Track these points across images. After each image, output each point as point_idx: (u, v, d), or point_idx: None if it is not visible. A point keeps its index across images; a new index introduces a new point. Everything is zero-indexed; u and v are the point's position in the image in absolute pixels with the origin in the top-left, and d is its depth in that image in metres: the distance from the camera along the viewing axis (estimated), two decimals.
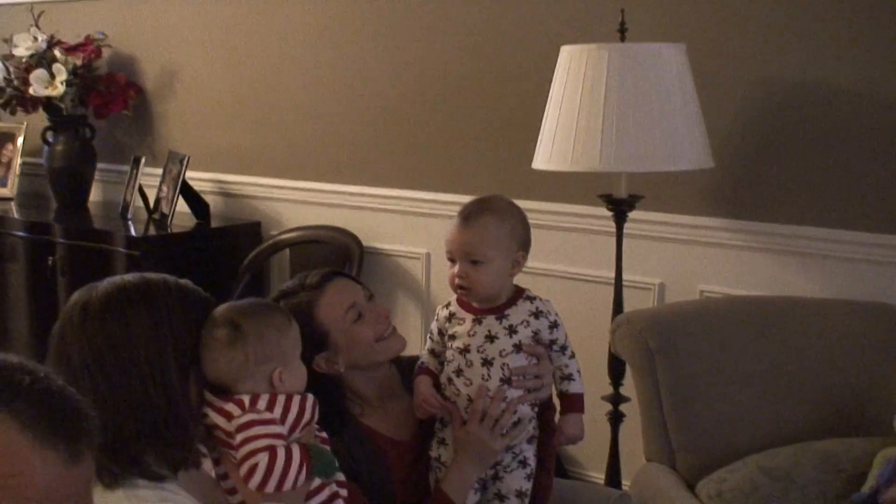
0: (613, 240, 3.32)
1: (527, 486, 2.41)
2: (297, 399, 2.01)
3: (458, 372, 2.38)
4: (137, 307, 1.92)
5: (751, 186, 3.43)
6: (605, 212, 3.33)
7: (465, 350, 2.37)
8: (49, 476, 1.28)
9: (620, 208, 3.26)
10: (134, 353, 1.89)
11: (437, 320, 2.47)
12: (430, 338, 2.49)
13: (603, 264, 3.58)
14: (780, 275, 3.40)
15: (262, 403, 1.96)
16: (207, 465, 2.07)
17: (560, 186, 3.74)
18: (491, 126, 3.98)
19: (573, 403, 2.40)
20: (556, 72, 3.19)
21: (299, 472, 1.93)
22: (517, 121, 3.82)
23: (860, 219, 3.25)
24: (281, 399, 1.98)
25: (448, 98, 4.09)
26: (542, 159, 3.19)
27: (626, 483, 3.35)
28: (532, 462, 2.42)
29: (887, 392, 2.96)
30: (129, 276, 2.00)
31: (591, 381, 3.39)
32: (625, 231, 3.31)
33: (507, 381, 2.35)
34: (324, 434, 2.13)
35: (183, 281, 2.03)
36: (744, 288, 3.44)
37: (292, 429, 1.99)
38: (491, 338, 2.36)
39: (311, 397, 2.04)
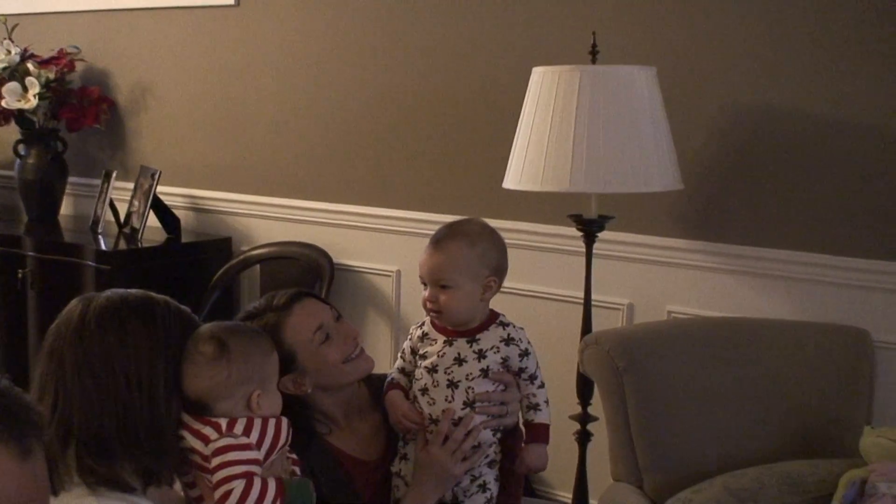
0: (583, 260, 3.34)
1: None
2: (272, 423, 2.01)
3: (424, 391, 2.39)
4: (136, 321, 1.96)
5: (719, 209, 3.46)
6: (574, 232, 3.35)
7: (432, 369, 2.38)
8: (3, 472, 1.32)
9: (590, 229, 3.28)
10: (126, 364, 1.91)
11: (411, 339, 2.48)
12: (401, 356, 2.49)
13: (572, 284, 3.59)
14: (747, 296, 3.42)
15: (239, 427, 1.96)
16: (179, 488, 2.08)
17: (530, 206, 3.76)
18: (462, 145, 3.99)
19: (538, 434, 2.40)
20: (527, 92, 3.20)
21: None
22: (488, 140, 3.84)
23: (827, 242, 3.28)
24: (258, 423, 1.99)
25: (420, 117, 4.10)
26: (513, 179, 3.20)
27: (593, 502, 3.36)
28: (492, 487, 2.41)
29: (853, 414, 2.98)
30: (133, 290, 2.03)
31: (560, 401, 3.41)
32: (594, 251, 3.32)
33: (470, 404, 2.35)
34: (294, 456, 2.13)
35: (183, 307, 2.06)
36: (712, 309, 3.46)
37: (269, 453, 1.99)
38: (460, 361, 2.36)
39: (285, 420, 2.05)
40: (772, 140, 3.34)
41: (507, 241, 3.77)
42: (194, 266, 4.59)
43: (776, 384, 3.01)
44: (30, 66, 4.85)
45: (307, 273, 4.29)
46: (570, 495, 3.50)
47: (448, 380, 2.35)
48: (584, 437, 3.40)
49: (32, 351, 4.54)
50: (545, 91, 3.11)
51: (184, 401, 1.99)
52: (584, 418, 3.38)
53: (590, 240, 3.30)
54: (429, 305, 2.37)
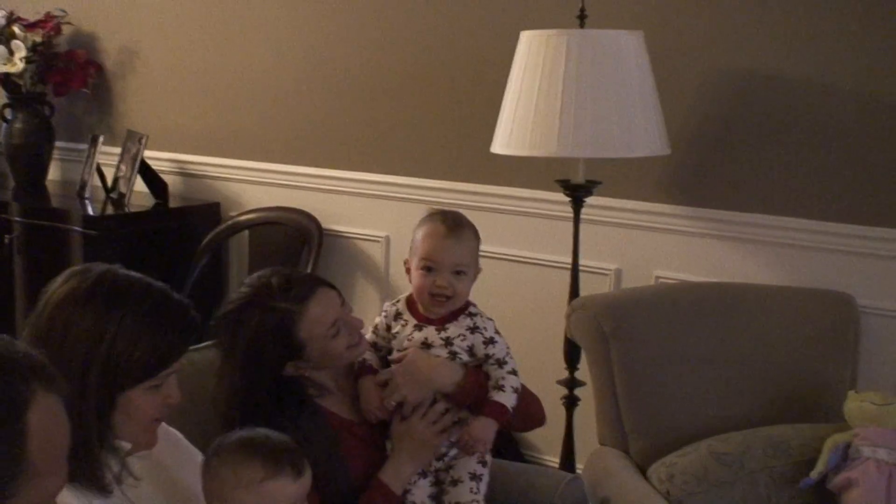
0: (570, 225, 3.34)
1: (481, 470, 2.43)
2: None
3: (387, 359, 2.45)
4: (86, 310, 1.85)
5: (706, 174, 3.46)
6: (562, 197, 3.35)
7: (403, 351, 2.44)
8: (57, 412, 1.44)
9: (578, 194, 3.28)
10: (64, 355, 1.81)
11: (386, 316, 2.52)
12: (374, 331, 2.52)
13: (560, 249, 3.59)
14: (733, 261, 3.43)
15: None
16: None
17: (518, 171, 3.75)
18: (450, 110, 3.98)
19: (491, 409, 2.38)
20: (515, 57, 3.19)
21: None
22: (476, 105, 3.83)
23: (812, 207, 3.28)
24: None
25: (408, 82, 4.09)
26: (501, 144, 3.20)
27: (580, 467, 3.37)
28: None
29: (837, 378, 3.00)
30: (110, 273, 1.92)
31: (547, 366, 3.43)
32: (582, 216, 3.32)
33: None
34: None
35: (168, 298, 1.95)
36: (698, 274, 3.47)
37: None
38: (427, 345, 2.42)
39: None
40: (758, 106, 3.34)
41: (495, 206, 3.85)
42: (182, 231, 4.59)
43: (762, 349, 3.02)
44: (16, 29, 4.83)
45: (296, 238, 4.29)
46: (558, 460, 3.51)
47: None
48: (571, 402, 3.42)
49: (20, 317, 4.54)
50: (533, 56, 3.10)
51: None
52: (572, 383, 3.39)
53: (577, 205, 3.30)
54: (439, 291, 2.40)
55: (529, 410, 2.55)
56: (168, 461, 2.11)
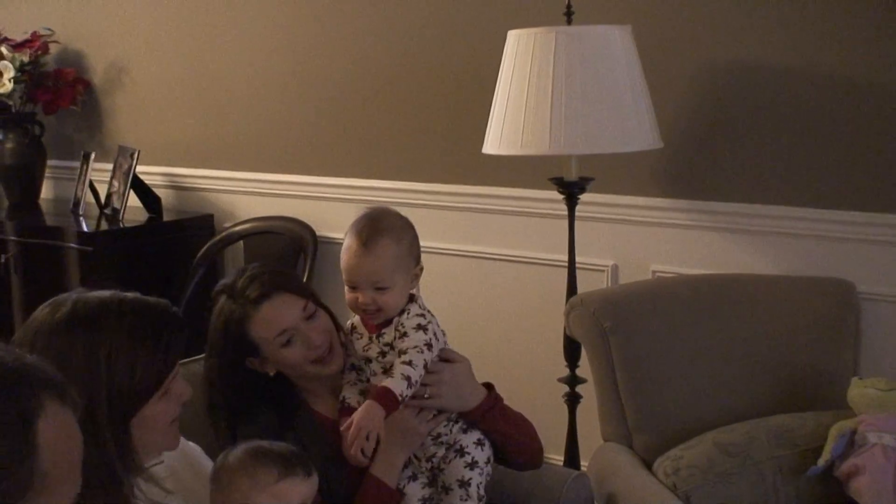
0: (565, 223, 3.33)
1: (469, 475, 2.38)
2: None
3: (369, 380, 2.41)
4: (76, 342, 1.82)
5: (700, 166, 3.45)
6: (556, 195, 3.34)
7: (369, 362, 2.41)
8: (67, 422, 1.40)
9: (571, 191, 3.27)
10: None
11: (347, 335, 2.47)
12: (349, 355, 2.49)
13: (556, 247, 3.59)
14: (731, 253, 3.42)
15: None
16: None
17: (511, 171, 3.75)
18: (441, 113, 3.98)
19: (374, 392, 2.26)
20: (503, 56, 3.19)
21: None
22: (467, 107, 3.82)
23: (808, 195, 3.28)
24: None
25: (397, 86, 4.08)
26: (493, 144, 3.19)
27: (584, 464, 3.36)
28: (472, 451, 2.40)
29: (840, 366, 2.99)
30: (81, 299, 1.88)
31: (548, 364, 3.43)
32: (576, 214, 3.31)
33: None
34: None
35: (145, 306, 1.91)
36: (695, 267, 3.46)
37: None
38: (390, 345, 2.36)
39: None
40: (749, 95, 3.34)
41: (489, 207, 3.85)
42: (177, 244, 4.59)
43: (763, 339, 3.02)
44: (3, 49, 4.83)
45: (290, 247, 4.29)
46: (562, 457, 3.50)
47: (382, 367, 2.36)
48: (573, 400, 3.41)
49: None
50: (521, 54, 3.10)
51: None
52: (573, 380, 3.38)
53: (571, 202, 3.29)
54: (366, 308, 2.33)
55: (530, 444, 2.52)
56: (185, 476, 2.12)
